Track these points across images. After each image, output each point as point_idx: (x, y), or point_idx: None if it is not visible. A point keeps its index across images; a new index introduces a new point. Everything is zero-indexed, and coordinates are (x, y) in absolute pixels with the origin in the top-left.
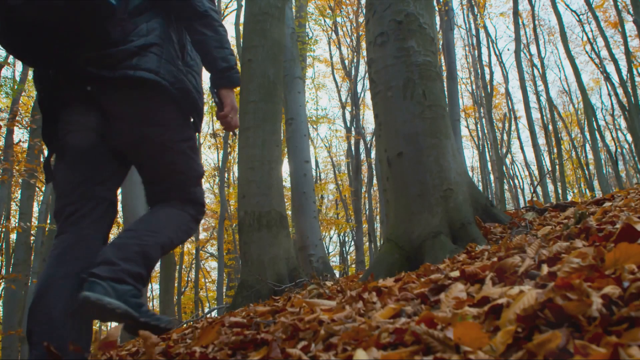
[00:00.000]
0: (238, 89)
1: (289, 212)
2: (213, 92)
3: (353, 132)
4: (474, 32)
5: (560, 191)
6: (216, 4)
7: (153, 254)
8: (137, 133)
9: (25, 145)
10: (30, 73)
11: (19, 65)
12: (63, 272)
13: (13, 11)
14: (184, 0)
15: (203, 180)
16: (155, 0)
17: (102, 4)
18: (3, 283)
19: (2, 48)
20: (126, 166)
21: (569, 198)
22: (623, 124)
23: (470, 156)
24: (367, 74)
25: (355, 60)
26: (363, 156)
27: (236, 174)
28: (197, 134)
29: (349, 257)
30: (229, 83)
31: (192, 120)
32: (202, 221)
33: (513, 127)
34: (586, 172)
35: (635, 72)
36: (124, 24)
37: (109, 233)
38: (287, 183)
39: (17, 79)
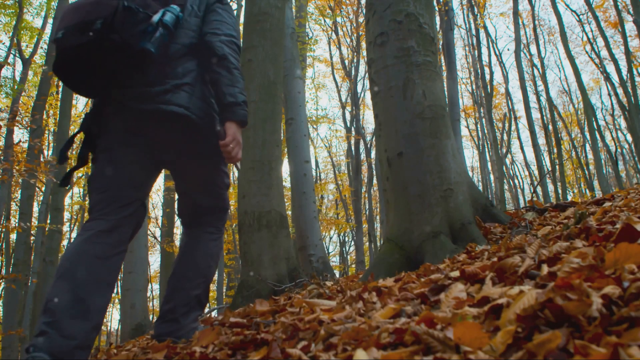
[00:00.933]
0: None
1: (289, 212)
2: (220, 120)
3: (353, 132)
4: (474, 32)
5: (560, 191)
6: None
7: (207, 293)
8: (172, 155)
9: (25, 145)
10: (30, 73)
11: (18, 65)
12: (95, 252)
13: (66, 53)
14: (207, 44)
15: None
16: (193, 47)
17: (144, 52)
18: (3, 283)
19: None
20: (159, 170)
21: (569, 198)
22: (623, 124)
23: (470, 156)
24: (367, 74)
25: (355, 60)
26: (363, 156)
27: (236, 174)
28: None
29: (349, 257)
30: (232, 116)
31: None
32: None
33: (513, 127)
34: (586, 172)
35: (635, 72)
36: (162, 67)
37: (138, 227)
38: (287, 183)
39: (17, 79)
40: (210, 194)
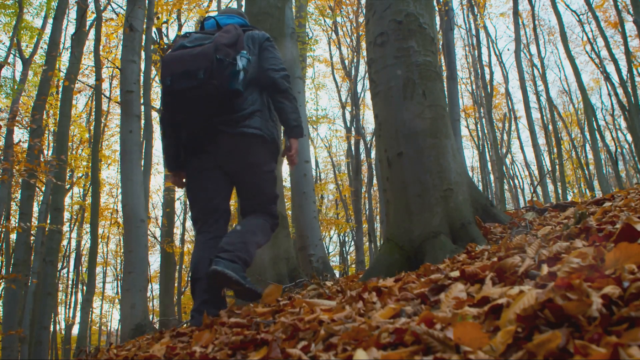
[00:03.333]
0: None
1: (289, 212)
2: (286, 138)
3: (353, 132)
4: (474, 32)
5: (560, 191)
6: (216, 5)
7: (251, 248)
8: (243, 163)
9: (25, 145)
10: (30, 73)
11: (18, 66)
12: (207, 255)
13: (178, 93)
14: (272, 81)
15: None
16: (253, 79)
17: (235, 91)
18: (3, 283)
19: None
20: (232, 184)
21: (569, 198)
22: (623, 124)
23: (470, 156)
24: (367, 74)
25: (355, 60)
26: (363, 156)
27: None
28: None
29: (349, 257)
30: (296, 135)
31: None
32: None
33: (513, 127)
34: (586, 172)
35: (635, 72)
36: (238, 94)
37: (227, 228)
38: (287, 183)
39: (17, 79)
40: (262, 197)
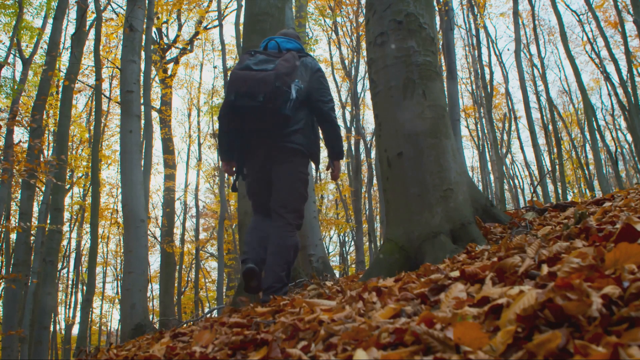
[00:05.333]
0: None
1: None
2: (329, 159)
3: (353, 132)
4: (474, 32)
5: (560, 191)
6: (216, 5)
7: (290, 272)
8: (280, 165)
9: (25, 145)
10: (30, 73)
11: (18, 66)
12: (261, 228)
13: (238, 110)
14: (321, 112)
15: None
16: (302, 102)
17: (285, 115)
18: (3, 283)
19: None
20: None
21: (569, 198)
22: (623, 124)
23: (470, 156)
24: (367, 74)
25: (355, 60)
26: (363, 156)
27: None
28: (315, 171)
29: (349, 257)
30: (337, 158)
31: (314, 165)
32: (202, 221)
33: (513, 127)
34: (586, 172)
35: (635, 72)
36: (288, 118)
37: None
38: None
39: (17, 79)
40: (292, 195)
